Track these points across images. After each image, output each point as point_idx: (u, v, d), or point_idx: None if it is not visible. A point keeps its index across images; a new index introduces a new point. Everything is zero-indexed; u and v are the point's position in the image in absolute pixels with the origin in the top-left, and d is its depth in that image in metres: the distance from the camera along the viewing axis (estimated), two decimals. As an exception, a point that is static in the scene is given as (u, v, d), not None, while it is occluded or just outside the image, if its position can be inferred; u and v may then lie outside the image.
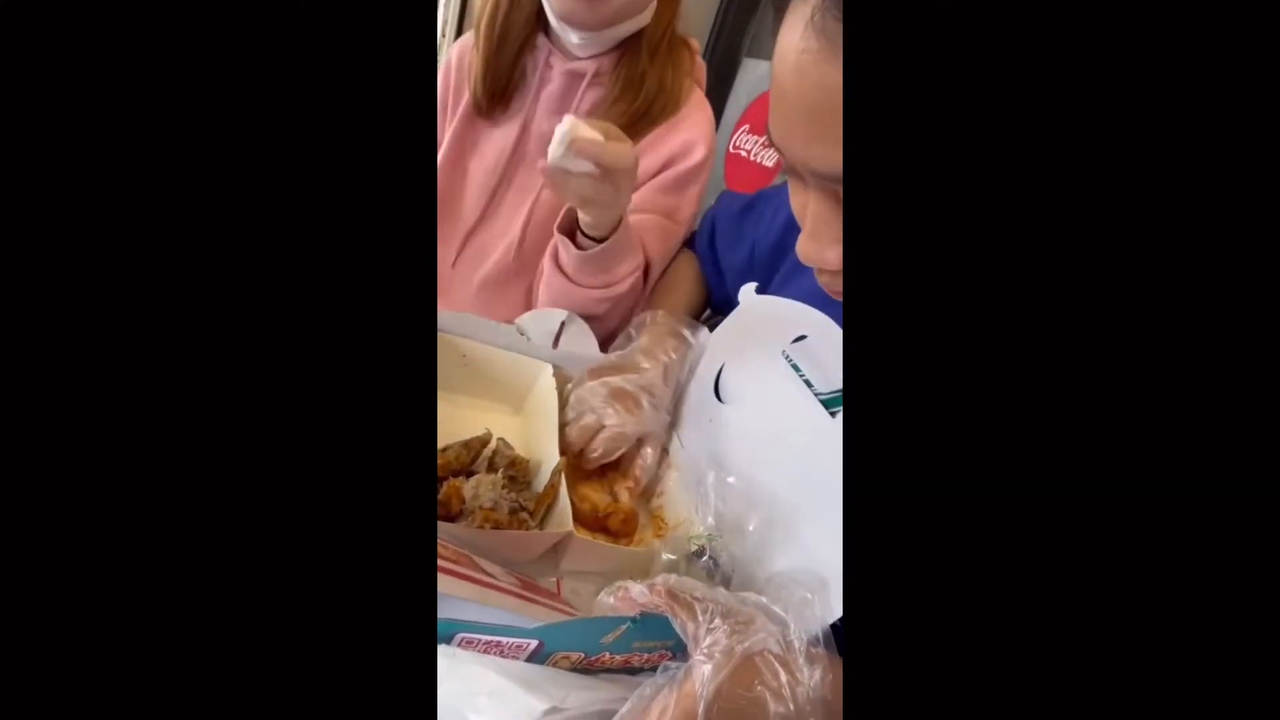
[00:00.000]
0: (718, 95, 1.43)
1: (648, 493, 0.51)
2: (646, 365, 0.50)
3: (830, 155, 0.29)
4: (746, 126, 1.40)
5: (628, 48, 0.61)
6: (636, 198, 0.63)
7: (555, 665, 0.33)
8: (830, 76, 0.27)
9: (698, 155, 0.62)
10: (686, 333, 0.54)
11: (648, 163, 0.63)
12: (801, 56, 0.28)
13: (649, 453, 0.50)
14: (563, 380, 0.52)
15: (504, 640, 0.31)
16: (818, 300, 0.46)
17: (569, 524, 0.42)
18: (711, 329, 0.56)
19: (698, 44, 0.67)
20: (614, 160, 0.46)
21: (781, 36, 0.29)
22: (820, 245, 0.33)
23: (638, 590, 0.33)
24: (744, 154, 1.41)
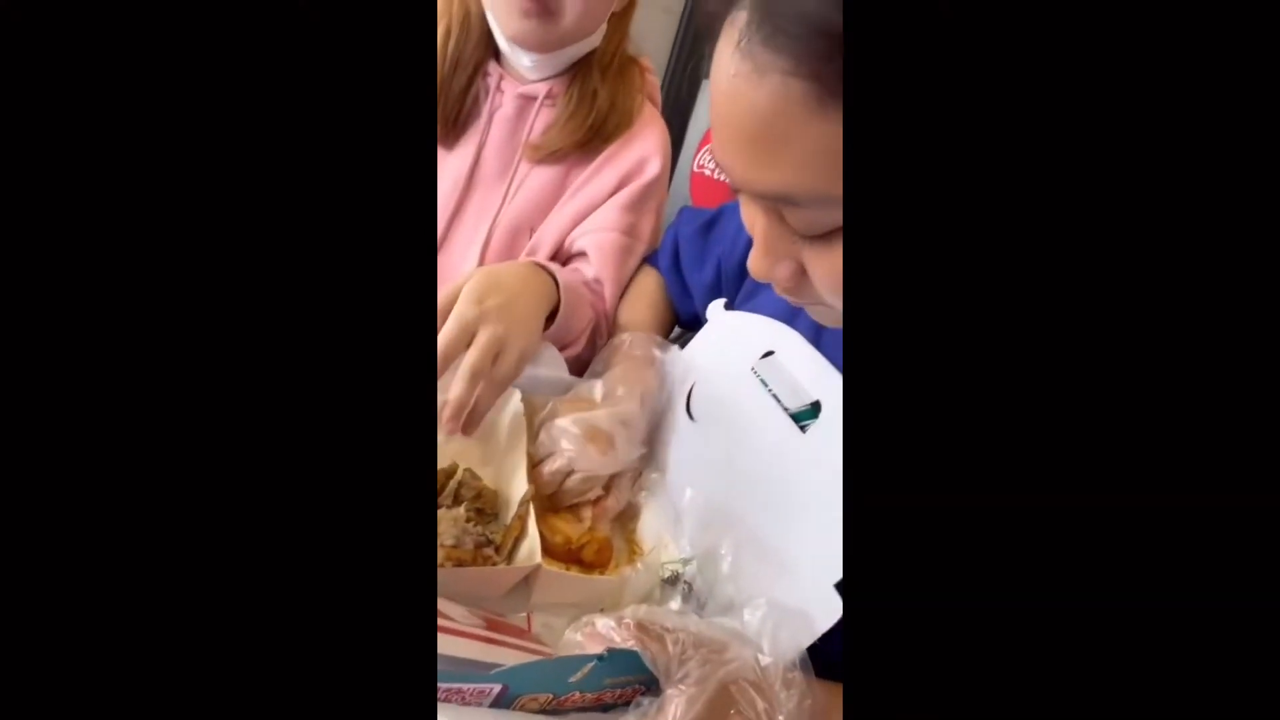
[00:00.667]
0: (680, 116, 1.44)
1: (623, 517, 0.50)
2: (621, 393, 0.49)
3: (767, 176, 0.29)
4: (709, 145, 1.42)
5: (579, 68, 0.61)
6: (596, 218, 0.62)
7: (523, 709, 0.31)
8: (759, 99, 0.27)
9: (653, 170, 0.62)
10: (659, 354, 0.53)
11: (604, 180, 0.62)
12: (733, 80, 0.27)
13: (623, 486, 0.48)
14: (532, 408, 0.51)
15: (465, 687, 0.29)
16: (784, 314, 0.45)
17: (538, 556, 0.41)
18: (681, 346, 0.55)
19: (649, 62, 0.67)
20: (483, 366, 0.43)
21: (715, 61, 0.29)
22: (770, 261, 0.32)
23: (605, 625, 0.31)
24: (708, 172, 1.42)
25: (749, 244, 0.62)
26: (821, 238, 0.30)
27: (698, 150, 1.44)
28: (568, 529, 0.47)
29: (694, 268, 0.62)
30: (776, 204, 0.30)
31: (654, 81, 0.68)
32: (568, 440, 0.45)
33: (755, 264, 0.34)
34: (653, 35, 1.28)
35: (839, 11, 0.24)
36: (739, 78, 0.27)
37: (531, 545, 0.41)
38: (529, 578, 0.42)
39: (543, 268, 0.53)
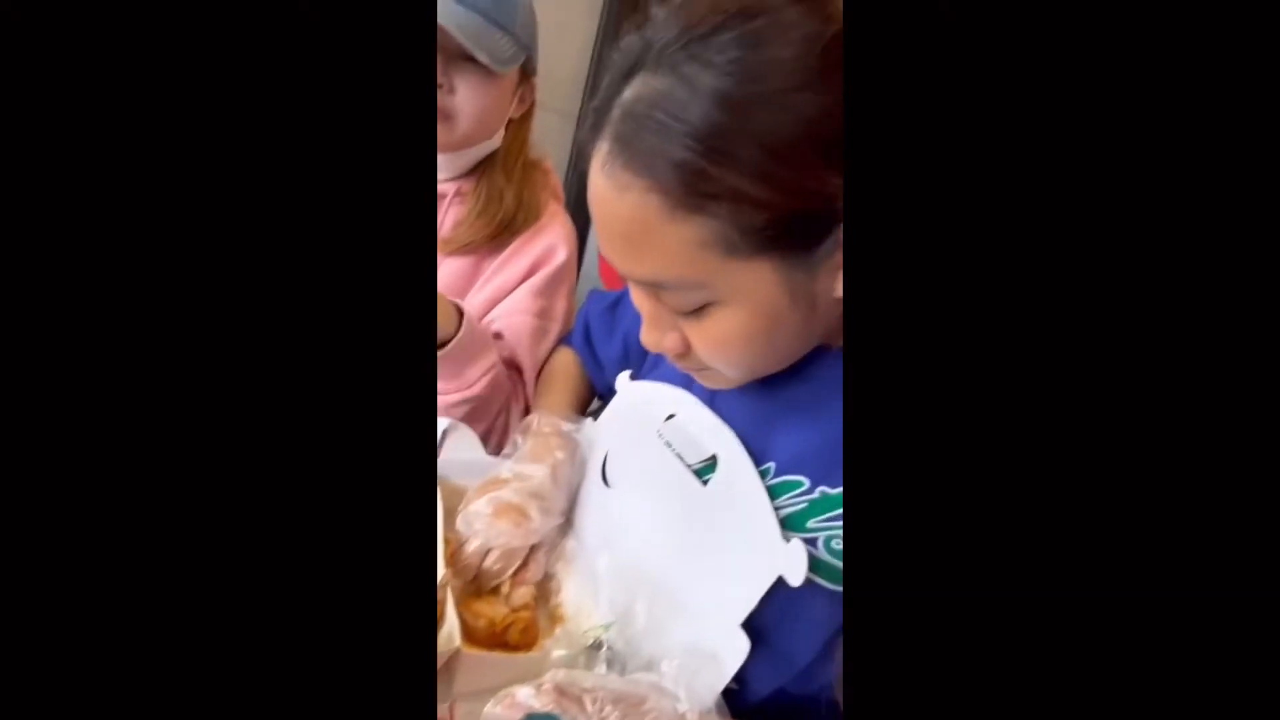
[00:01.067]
0: (585, 208, 1.53)
1: (546, 593, 0.50)
2: (532, 470, 0.50)
3: (638, 268, 0.35)
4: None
5: (484, 169, 0.66)
6: (509, 302, 0.66)
7: (444, 795, 0.30)
8: (623, 210, 0.33)
9: (561, 256, 0.67)
10: (570, 428, 0.55)
11: (515, 268, 0.66)
12: (602, 195, 0.34)
13: (541, 557, 0.49)
14: (452, 493, 0.51)
15: (380, 777, 0.28)
16: (682, 380, 0.49)
17: (457, 640, 0.40)
18: (595, 417, 0.58)
19: (551, 164, 0.73)
20: None
21: (589, 178, 0.36)
22: (658, 334, 0.38)
23: (525, 694, 0.32)
24: (617, 256, 1.50)
25: (650, 321, 0.66)
26: (693, 313, 0.36)
27: (606, 237, 1.53)
28: (490, 611, 0.46)
29: (604, 343, 0.66)
30: (652, 288, 0.35)
31: (557, 180, 0.74)
32: (480, 521, 0.46)
33: (645, 337, 0.39)
34: (551, 136, 1.37)
35: (683, 148, 0.30)
36: (607, 192, 0.34)
37: (450, 629, 0.41)
38: (449, 665, 0.41)
39: (450, 300, 0.56)
